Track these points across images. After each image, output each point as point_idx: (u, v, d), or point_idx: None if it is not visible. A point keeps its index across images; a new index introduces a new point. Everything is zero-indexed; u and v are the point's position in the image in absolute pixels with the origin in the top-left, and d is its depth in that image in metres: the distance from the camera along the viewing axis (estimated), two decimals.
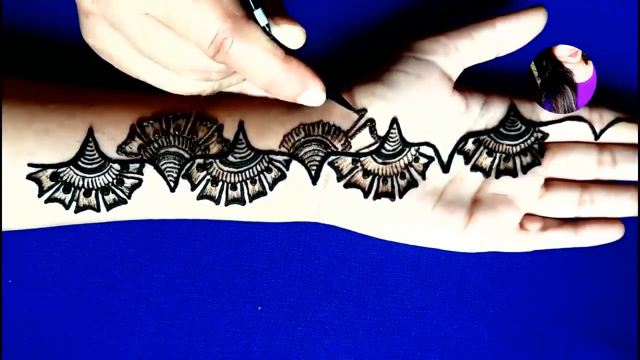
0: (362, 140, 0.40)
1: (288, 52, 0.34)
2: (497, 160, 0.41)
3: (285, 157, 0.39)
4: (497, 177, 0.41)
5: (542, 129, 0.42)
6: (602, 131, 0.42)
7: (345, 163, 0.40)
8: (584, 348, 0.45)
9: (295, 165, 0.40)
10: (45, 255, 0.44)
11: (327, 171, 0.40)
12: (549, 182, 0.42)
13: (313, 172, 0.40)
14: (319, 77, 0.34)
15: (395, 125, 0.39)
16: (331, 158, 0.40)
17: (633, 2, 0.45)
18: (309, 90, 0.34)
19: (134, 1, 0.31)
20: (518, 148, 0.41)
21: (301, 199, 0.40)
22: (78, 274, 0.44)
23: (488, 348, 0.45)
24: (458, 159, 0.41)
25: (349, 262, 0.45)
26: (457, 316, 0.45)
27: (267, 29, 0.33)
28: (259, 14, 0.32)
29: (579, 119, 0.42)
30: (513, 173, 0.41)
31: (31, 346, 0.44)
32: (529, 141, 0.42)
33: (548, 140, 0.42)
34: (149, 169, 0.39)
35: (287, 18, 0.33)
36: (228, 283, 0.44)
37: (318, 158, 0.40)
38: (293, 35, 0.33)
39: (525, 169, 0.42)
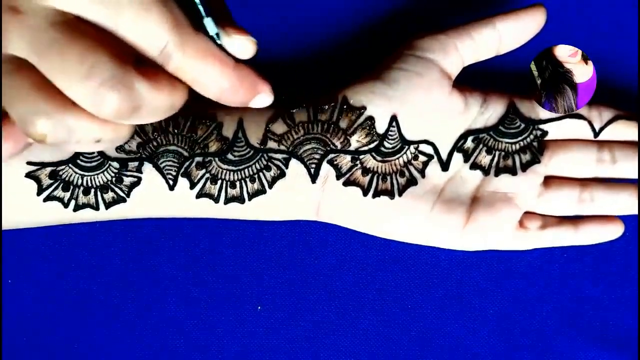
0: (361, 138, 0.40)
1: (236, 59, 0.32)
2: (496, 158, 0.41)
3: (285, 155, 0.39)
4: (496, 175, 0.41)
5: (541, 126, 0.42)
6: (602, 129, 0.42)
7: (345, 161, 0.40)
8: (583, 348, 0.45)
9: (294, 163, 0.40)
10: (45, 255, 0.44)
11: (326, 169, 0.40)
12: (549, 180, 0.42)
13: (312, 170, 0.40)
14: (266, 79, 0.33)
15: (394, 123, 0.39)
16: (330, 156, 0.40)
17: (633, 2, 0.45)
18: (260, 95, 0.33)
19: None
20: (517, 146, 0.41)
21: (300, 197, 0.40)
22: (78, 274, 0.44)
23: (488, 348, 0.45)
24: (457, 157, 0.41)
25: (349, 261, 0.45)
26: (457, 316, 0.45)
27: (217, 38, 0.31)
28: (208, 22, 0.31)
29: (578, 116, 0.42)
30: (512, 171, 0.41)
31: (31, 346, 0.44)
32: (528, 139, 0.41)
33: (547, 138, 0.42)
34: (148, 167, 0.39)
35: (237, 28, 0.32)
36: (228, 283, 0.44)
37: (317, 156, 0.40)
38: (244, 45, 0.32)
39: (525, 167, 0.41)
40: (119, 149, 0.38)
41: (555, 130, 0.42)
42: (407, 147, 0.40)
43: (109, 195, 0.39)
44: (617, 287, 0.45)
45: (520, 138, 0.41)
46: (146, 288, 0.44)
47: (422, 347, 0.45)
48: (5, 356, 0.44)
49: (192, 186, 0.39)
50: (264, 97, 0.33)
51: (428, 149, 0.41)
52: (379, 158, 0.40)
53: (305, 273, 0.45)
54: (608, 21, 0.46)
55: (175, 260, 0.44)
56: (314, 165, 0.40)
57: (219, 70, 0.31)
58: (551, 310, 0.45)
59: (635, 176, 0.42)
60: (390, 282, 0.45)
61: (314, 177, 0.40)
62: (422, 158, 0.41)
